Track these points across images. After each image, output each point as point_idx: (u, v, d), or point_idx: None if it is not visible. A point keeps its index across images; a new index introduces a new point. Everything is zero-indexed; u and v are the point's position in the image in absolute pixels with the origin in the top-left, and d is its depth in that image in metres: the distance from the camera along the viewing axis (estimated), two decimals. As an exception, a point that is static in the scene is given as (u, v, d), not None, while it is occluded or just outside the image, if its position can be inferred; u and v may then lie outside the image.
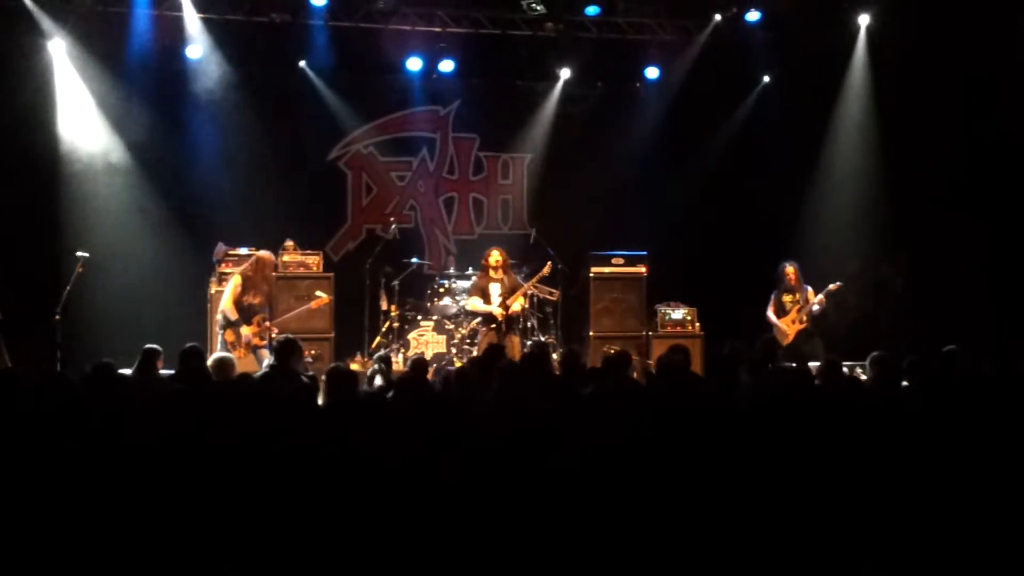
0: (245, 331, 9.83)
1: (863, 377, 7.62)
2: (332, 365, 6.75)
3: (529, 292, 11.11)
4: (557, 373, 7.93)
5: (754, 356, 7.42)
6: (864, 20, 12.60)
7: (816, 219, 12.89)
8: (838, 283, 11.12)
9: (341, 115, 13.10)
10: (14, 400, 5.58)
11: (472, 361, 8.66)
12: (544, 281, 11.56)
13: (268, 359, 9.29)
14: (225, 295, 10.04)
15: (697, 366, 10.53)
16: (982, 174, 11.86)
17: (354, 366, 10.83)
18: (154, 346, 7.78)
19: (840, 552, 4.07)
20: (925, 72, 11.76)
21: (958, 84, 11.68)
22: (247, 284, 9.95)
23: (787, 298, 11.25)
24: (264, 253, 10.29)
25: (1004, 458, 4.73)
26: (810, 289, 11.22)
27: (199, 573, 4.10)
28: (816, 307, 11.10)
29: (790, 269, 11.24)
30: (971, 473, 4.59)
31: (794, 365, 8.02)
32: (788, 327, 11.12)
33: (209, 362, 7.61)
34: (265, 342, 9.90)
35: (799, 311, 11.15)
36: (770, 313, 11.29)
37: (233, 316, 9.87)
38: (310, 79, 12.75)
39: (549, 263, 11.20)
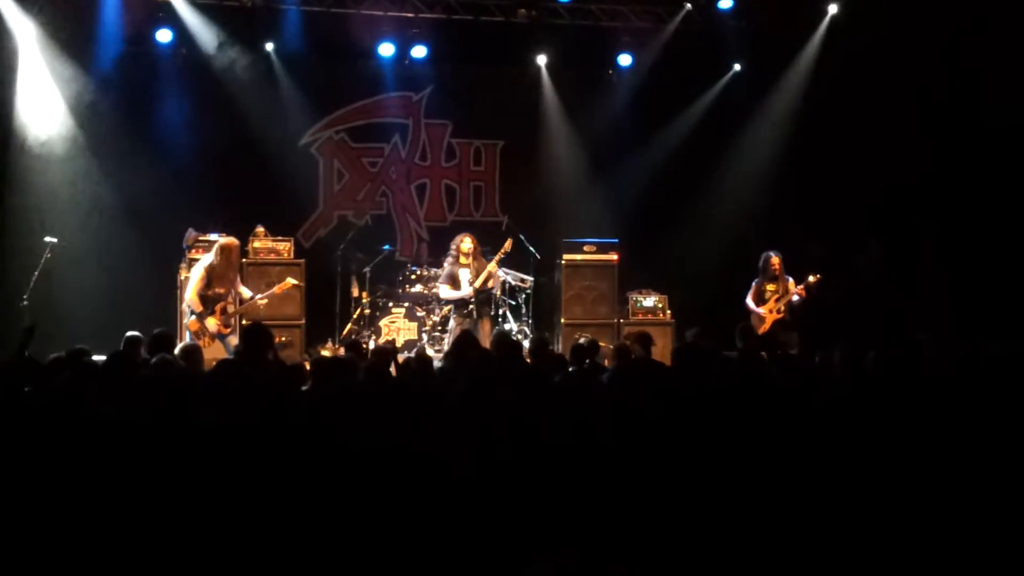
0: (211, 322, 9.65)
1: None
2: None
3: (496, 272, 11.01)
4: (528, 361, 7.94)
5: (738, 343, 7.46)
6: (832, 9, 12.72)
7: (789, 207, 12.91)
8: (817, 275, 11.11)
9: (313, 101, 13.04)
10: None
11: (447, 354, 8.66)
12: (513, 265, 11.56)
13: (236, 345, 9.24)
14: (189, 288, 9.78)
15: (666, 354, 10.56)
16: (946, 166, 12.06)
17: (324, 353, 10.82)
18: (136, 333, 7.77)
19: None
20: (883, 61, 11.93)
21: (918, 75, 11.86)
22: (213, 275, 9.68)
23: (769, 287, 11.23)
24: (228, 240, 9.98)
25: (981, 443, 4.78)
26: (791, 280, 11.23)
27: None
28: (795, 297, 11.12)
29: (775, 259, 11.20)
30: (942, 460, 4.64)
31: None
32: (766, 315, 11.13)
33: (176, 350, 7.56)
34: (230, 329, 9.77)
35: (778, 300, 11.15)
36: (749, 300, 11.24)
37: (198, 309, 9.63)
38: (281, 64, 12.68)
39: (509, 239, 11.10)
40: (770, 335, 10.90)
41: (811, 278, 11.06)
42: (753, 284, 11.30)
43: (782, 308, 11.12)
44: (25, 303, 10.28)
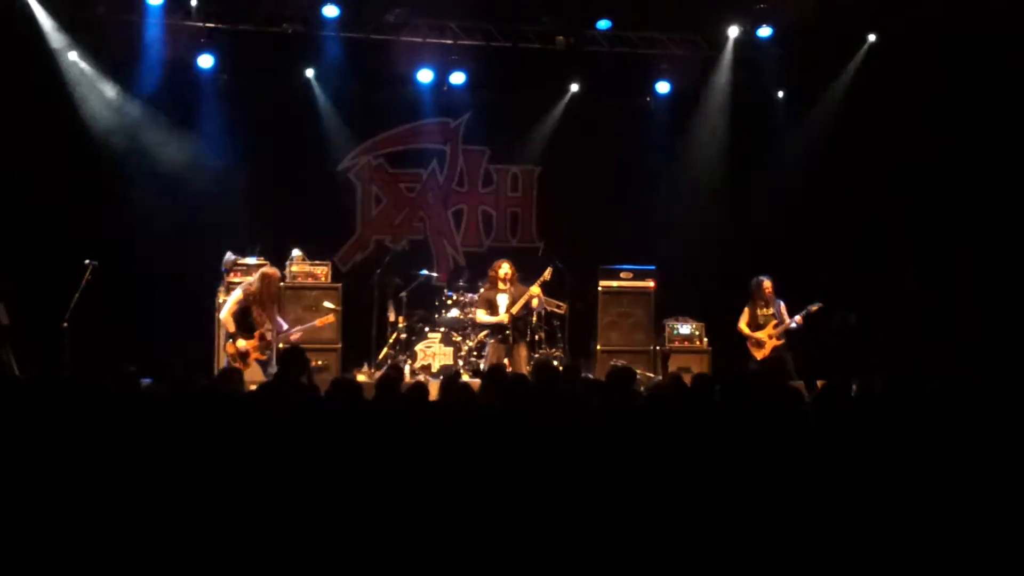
0: (242, 344, 9.76)
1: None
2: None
3: (539, 294, 10.94)
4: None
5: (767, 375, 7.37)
6: (871, 37, 12.65)
7: (824, 233, 12.79)
8: (819, 304, 11.16)
9: (351, 126, 13.17)
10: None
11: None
12: (551, 294, 11.53)
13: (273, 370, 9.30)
14: (225, 308, 10.03)
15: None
16: (984, 193, 11.97)
17: (361, 377, 10.85)
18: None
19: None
20: (920, 89, 11.88)
21: (956, 101, 11.79)
22: (250, 300, 9.88)
23: (761, 312, 11.36)
24: (269, 269, 10.21)
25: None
26: (783, 304, 11.29)
27: None
28: (794, 326, 11.19)
29: (767, 283, 11.35)
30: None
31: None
32: (765, 340, 11.22)
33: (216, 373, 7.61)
34: (266, 356, 9.87)
35: (775, 327, 11.22)
36: (743, 325, 11.42)
37: (231, 328, 9.84)
38: (321, 90, 12.79)
39: (550, 268, 11.10)
40: (771, 361, 10.99)
41: (812, 307, 11.13)
42: (745, 309, 11.45)
43: (780, 335, 11.16)
44: (65, 325, 10.34)
